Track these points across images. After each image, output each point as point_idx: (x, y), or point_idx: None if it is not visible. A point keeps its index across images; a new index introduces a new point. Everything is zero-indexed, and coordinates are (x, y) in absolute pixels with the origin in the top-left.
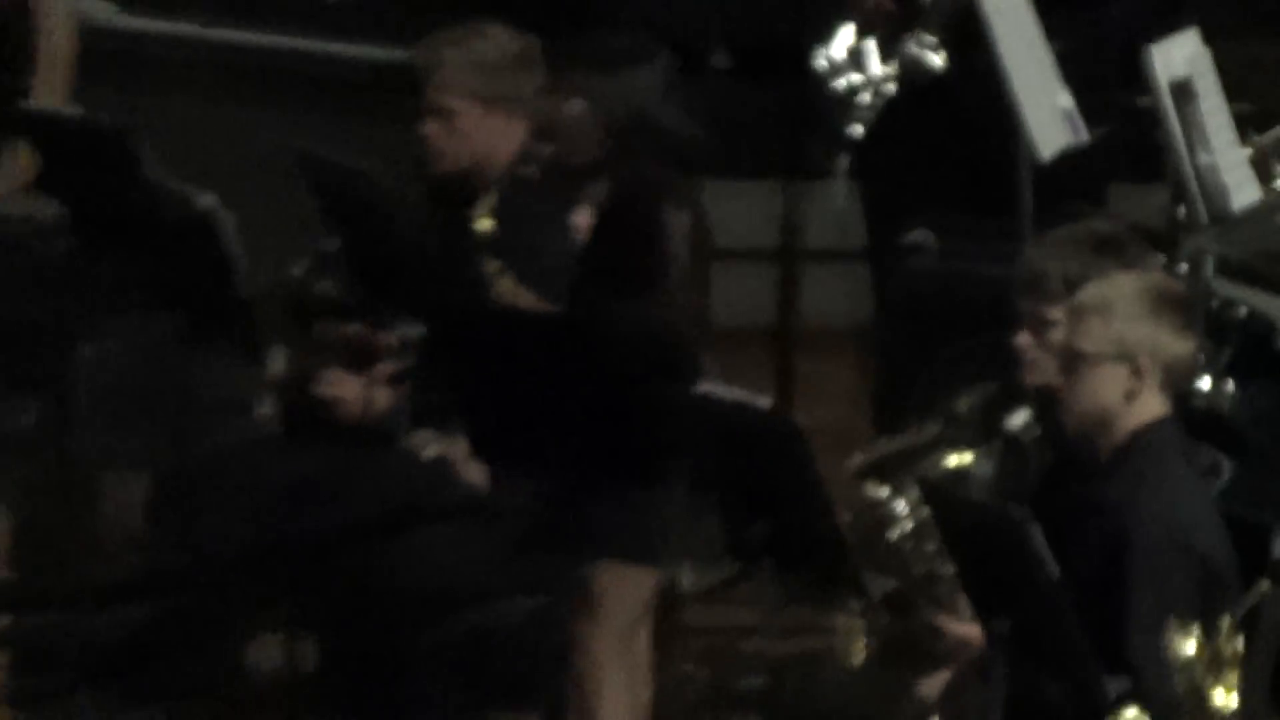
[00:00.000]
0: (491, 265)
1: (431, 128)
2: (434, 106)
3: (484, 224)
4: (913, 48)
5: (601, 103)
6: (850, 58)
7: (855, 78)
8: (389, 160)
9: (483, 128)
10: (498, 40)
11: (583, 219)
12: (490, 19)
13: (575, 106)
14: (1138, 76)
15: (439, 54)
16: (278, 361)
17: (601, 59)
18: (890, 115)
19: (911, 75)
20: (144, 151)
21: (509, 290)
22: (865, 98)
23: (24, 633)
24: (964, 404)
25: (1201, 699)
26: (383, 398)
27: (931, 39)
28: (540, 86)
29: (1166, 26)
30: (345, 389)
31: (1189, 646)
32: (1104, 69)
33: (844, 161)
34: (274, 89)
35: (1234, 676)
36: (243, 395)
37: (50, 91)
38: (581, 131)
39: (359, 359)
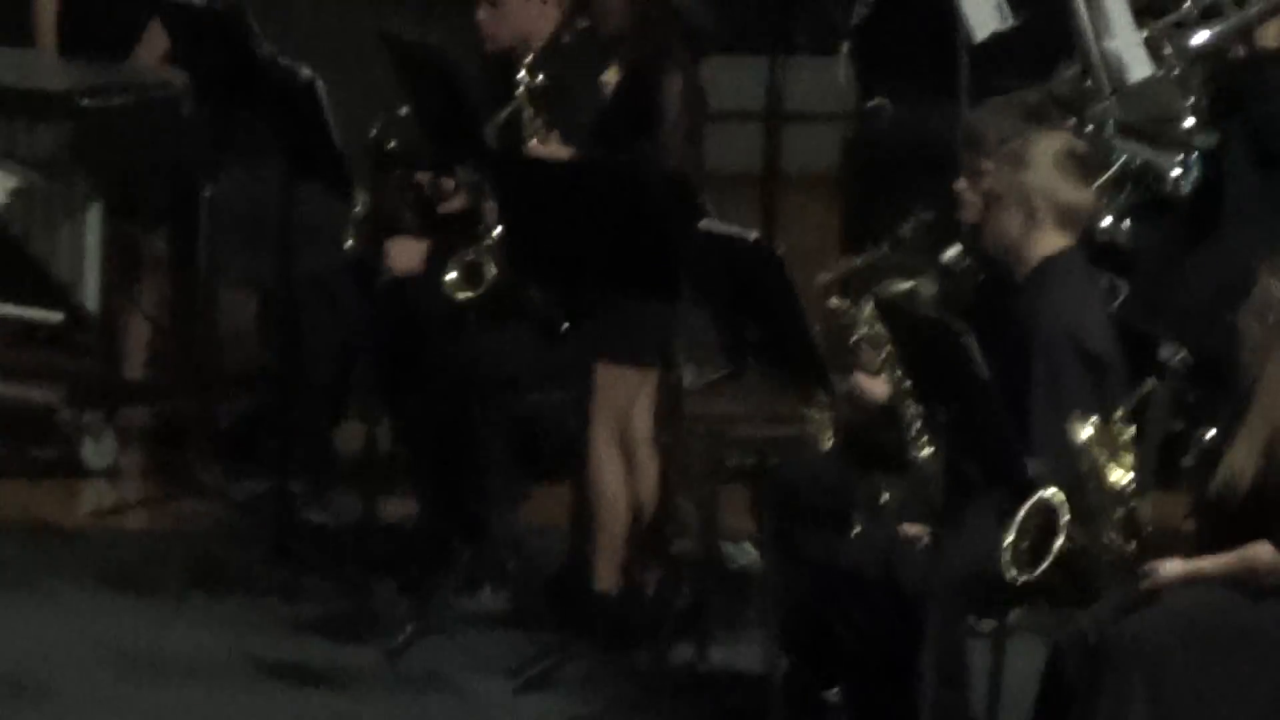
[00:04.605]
0: (528, 112)
1: (482, 12)
2: None
3: (523, 81)
4: None
5: None
6: None
7: None
8: (454, 39)
9: (523, 11)
10: None
11: (610, 78)
12: None
13: None
14: None
15: None
16: (362, 202)
17: None
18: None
19: None
20: (255, 31)
21: (542, 137)
22: None
23: (158, 420)
24: (906, 230)
25: (1100, 476)
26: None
27: None
28: None
29: None
30: (406, 255)
31: (1084, 432)
32: None
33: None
34: None
35: (1128, 457)
36: (334, 228)
37: None
38: (609, 8)
39: (425, 201)
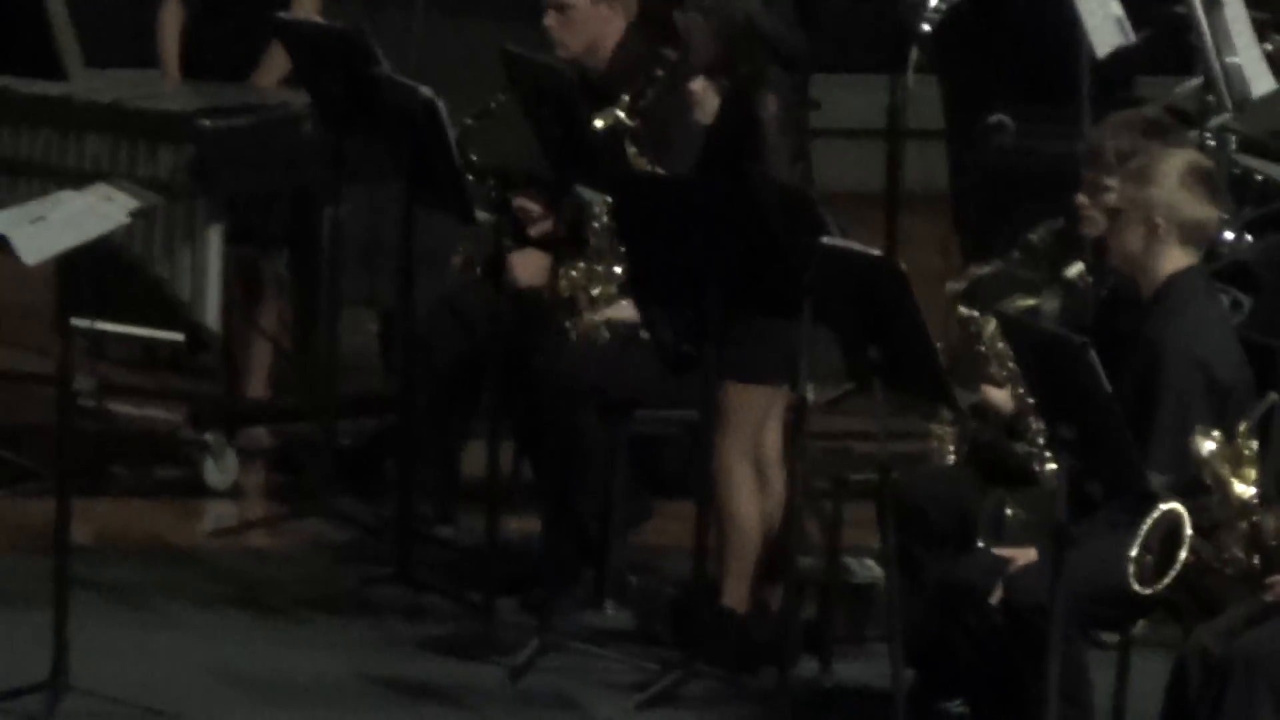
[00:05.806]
0: (630, 149)
1: (551, 19)
2: (553, 1)
3: (618, 117)
4: None
5: (716, 14)
6: None
7: None
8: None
9: (591, 16)
10: None
11: (696, 86)
12: None
13: (695, 18)
14: None
15: None
16: (481, 220)
17: None
18: (968, 20)
19: None
20: (375, 52)
21: (644, 168)
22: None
23: (279, 440)
24: (1036, 236)
25: (1224, 489)
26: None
27: None
28: None
29: None
30: (530, 268)
31: (1208, 446)
32: None
33: (914, 56)
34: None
35: (1251, 471)
36: (455, 247)
37: (304, 5)
38: (697, 40)
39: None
